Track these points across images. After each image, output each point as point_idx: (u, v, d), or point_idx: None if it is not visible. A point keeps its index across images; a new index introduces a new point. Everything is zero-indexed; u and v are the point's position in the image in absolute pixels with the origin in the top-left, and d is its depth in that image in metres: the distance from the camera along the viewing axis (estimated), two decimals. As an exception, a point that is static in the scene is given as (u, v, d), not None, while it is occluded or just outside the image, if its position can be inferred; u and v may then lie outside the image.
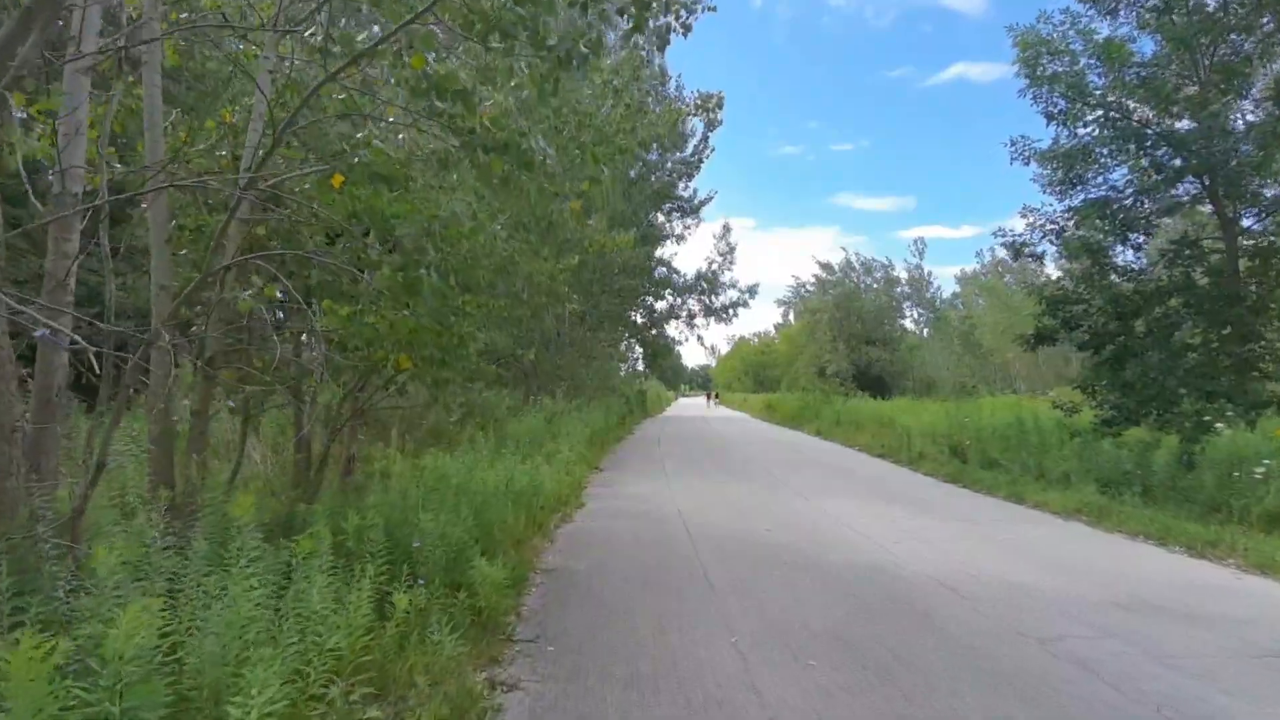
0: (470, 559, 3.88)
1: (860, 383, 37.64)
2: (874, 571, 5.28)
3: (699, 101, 7.91)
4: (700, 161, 18.22)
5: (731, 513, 7.74)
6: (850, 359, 42.79)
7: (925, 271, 48.35)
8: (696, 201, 19.97)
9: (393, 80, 3.15)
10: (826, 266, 48.57)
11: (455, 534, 4.01)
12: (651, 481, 10.17)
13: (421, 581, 3.38)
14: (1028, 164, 11.00)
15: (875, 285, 47.69)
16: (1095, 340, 9.86)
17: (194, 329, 4.45)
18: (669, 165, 18.83)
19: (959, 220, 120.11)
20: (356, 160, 2.73)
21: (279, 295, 3.31)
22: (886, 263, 47.59)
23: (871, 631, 3.98)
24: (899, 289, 47.87)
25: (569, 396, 14.80)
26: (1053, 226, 11.00)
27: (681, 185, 19.13)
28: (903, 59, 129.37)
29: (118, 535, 3.11)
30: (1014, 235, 11.21)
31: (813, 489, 9.55)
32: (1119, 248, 9.87)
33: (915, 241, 48.40)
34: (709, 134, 17.83)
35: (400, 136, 4.31)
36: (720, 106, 7.80)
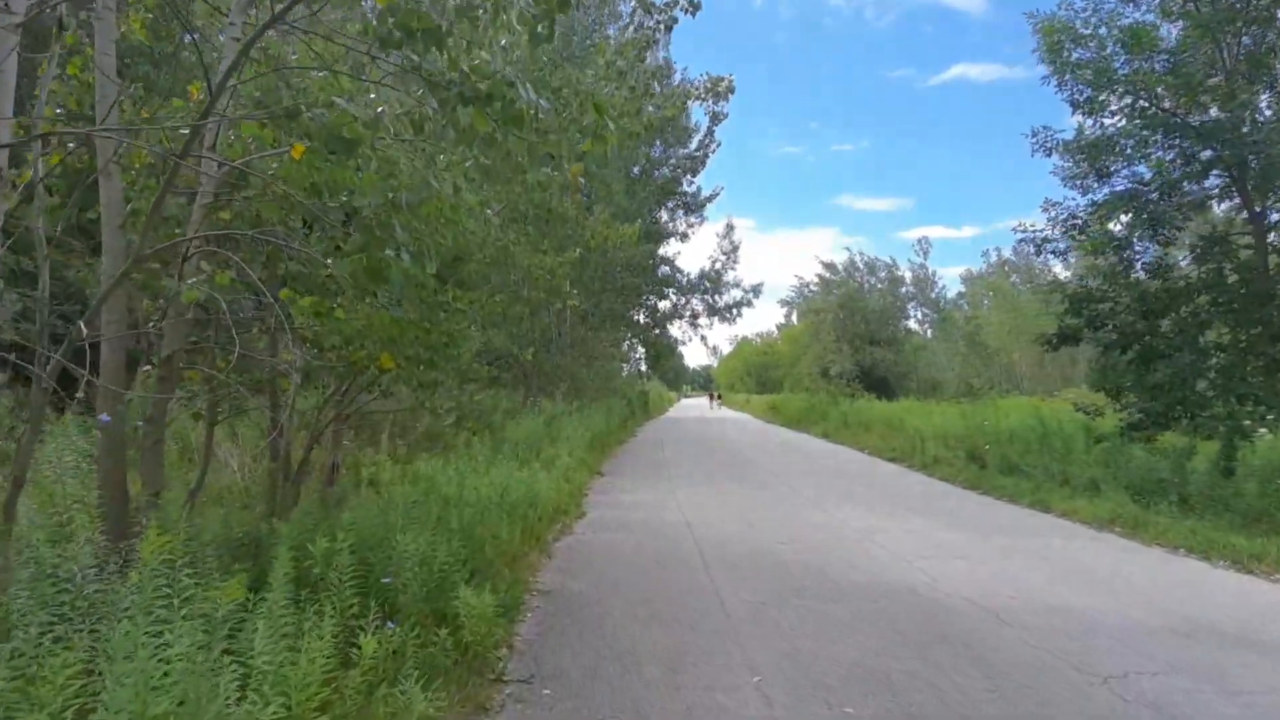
0: (455, 587, 3.41)
1: (865, 383, 37.21)
2: (906, 593, 4.81)
3: (708, 85, 7.42)
4: (705, 156, 17.70)
5: (743, 524, 7.27)
6: (855, 359, 42.41)
7: (930, 271, 47.85)
8: (702, 198, 19.46)
9: (365, 33, 2.69)
10: (830, 266, 48.14)
11: (439, 557, 3.55)
12: (656, 488, 9.72)
13: (392, 625, 2.90)
14: (1049, 155, 10.54)
15: (879, 285, 47.25)
16: (1122, 340, 9.39)
17: (151, 324, 4.01)
18: (673, 161, 18.33)
19: (960, 221, 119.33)
20: (312, 119, 2.27)
21: (236, 284, 2.87)
22: (890, 262, 47.16)
23: (912, 667, 3.51)
24: (904, 289, 47.36)
25: (569, 398, 14.33)
26: (1075, 222, 10.54)
27: (685, 181, 18.60)
28: (903, 59, 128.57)
29: (46, 564, 2.66)
30: (1035, 231, 10.74)
31: (827, 496, 9.09)
32: (1144, 243, 9.38)
33: (920, 241, 47.99)
34: (714, 127, 17.33)
35: (382, 109, 3.86)
36: (731, 91, 7.28)
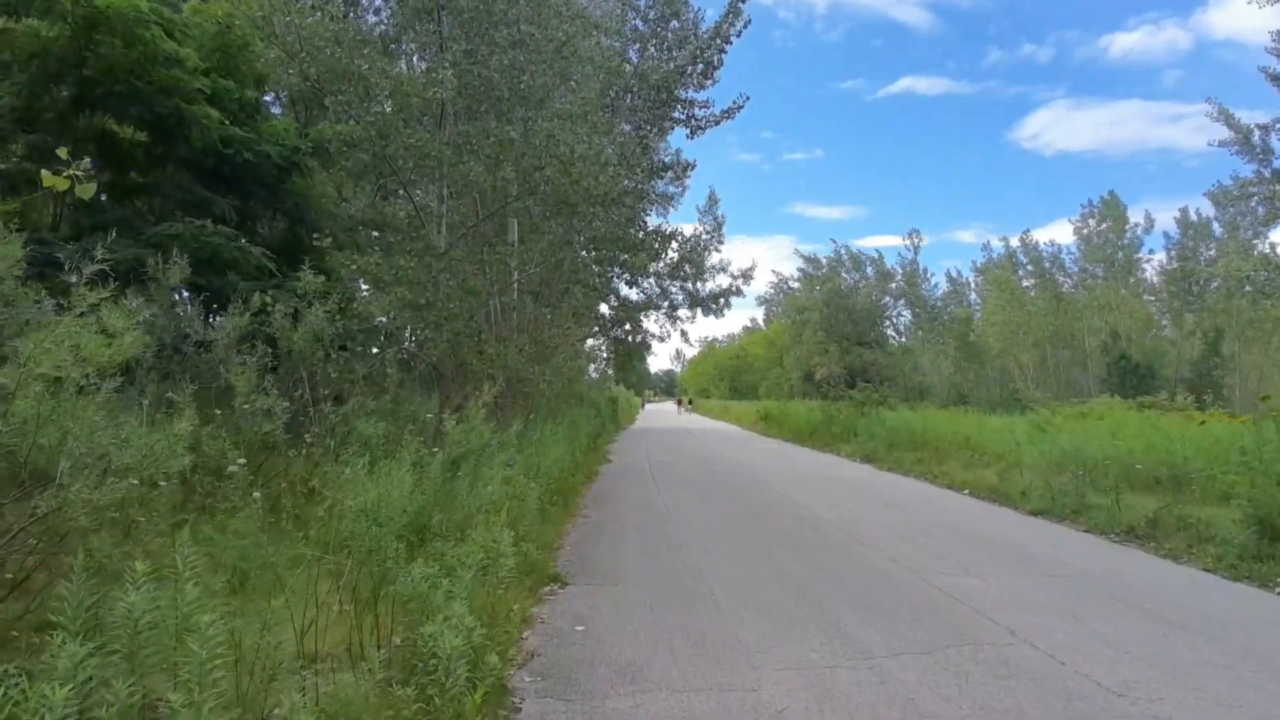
0: None
1: (852, 387, 32.82)
2: None
3: None
4: (724, 47, 11.47)
5: None
6: (843, 362, 38.10)
7: (921, 267, 43.41)
8: (718, 113, 12.93)
9: None
10: (813, 261, 43.61)
11: None
12: (692, 647, 4.11)
13: None
14: None
15: (865, 282, 42.93)
16: None
17: None
18: (667, 66, 12.18)
19: (910, 229, 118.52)
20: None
21: None
22: (877, 255, 42.88)
23: None
24: (894, 284, 42.91)
25: (500, 413, 8.56)
26: None
27: (693, 83, 12.34)
28: (853, 71, 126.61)
29: None
30: None
31: (1103, 667, 3.66)
32: None
33: (910, 233, 43.81)
34: (741, 2, 11.28)
35: None
36: None
